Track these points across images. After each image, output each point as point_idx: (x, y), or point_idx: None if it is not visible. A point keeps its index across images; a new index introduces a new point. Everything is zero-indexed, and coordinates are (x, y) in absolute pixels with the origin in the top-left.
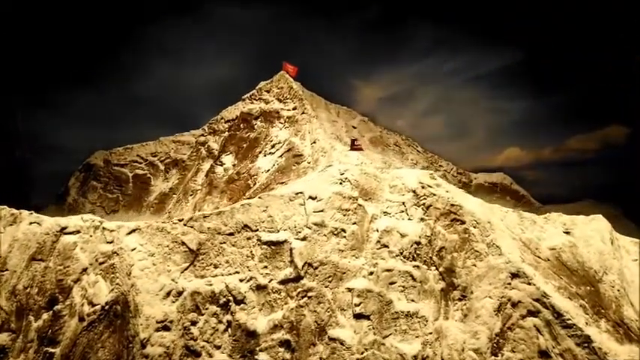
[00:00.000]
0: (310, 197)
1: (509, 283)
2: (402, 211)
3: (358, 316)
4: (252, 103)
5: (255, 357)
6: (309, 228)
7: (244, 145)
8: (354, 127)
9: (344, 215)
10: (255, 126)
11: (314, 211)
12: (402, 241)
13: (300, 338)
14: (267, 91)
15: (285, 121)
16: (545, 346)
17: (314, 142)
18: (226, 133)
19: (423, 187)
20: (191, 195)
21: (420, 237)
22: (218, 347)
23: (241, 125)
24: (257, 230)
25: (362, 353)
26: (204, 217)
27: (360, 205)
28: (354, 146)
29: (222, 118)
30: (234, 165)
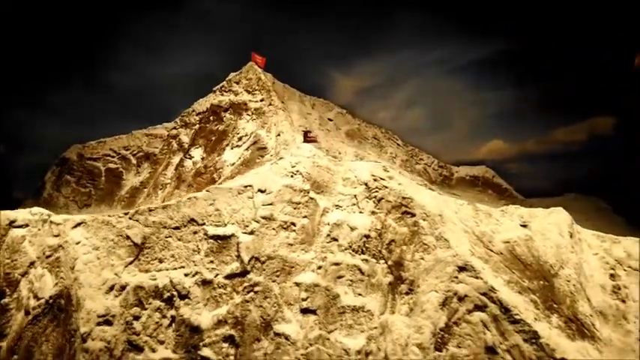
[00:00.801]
0: (259, 190)
1: (457, 277)
2: (354, 204)
3: (305, 311)
4: (222, 95)
5: (199, 352)
6: (257, 222)
7: (213, 138)
8: (330, 120)
9: (294, 209)
10: (224, 118)
11: (263, 205)
12: (352, 235)
13: (244, 333)
14: (237, 83)
15: (252, 113)
16: (492, 341)
17: (278, 135)
18: (197, 125)
19: (375, 180)
20: (161, 189)
21: (369, 230)
22: (161, 342)
23: (211, 118)
24: (204, 224)
25: (306, 348)
26: (150, 210)
27: (311, 199)
28: (307, 138)
29: (193, 111)
30: (202, 158)
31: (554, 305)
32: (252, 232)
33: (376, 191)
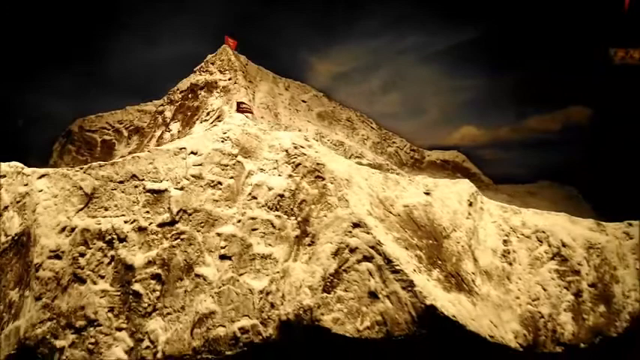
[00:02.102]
0: (192, 152)
1: (350, 232)
2: (275, 168)
3: (222, 257)
4: (200, 74)
5: (131, 287)
6: (188, 179)
7: (189, 114)
8: (304, 102)
9: (222, 170)
10: (200, 96)
11: (193, 165)
12: (269, 194)
13: (170, 273)
14: (212, 63)
15: (220, 91)
16: (375, 287)
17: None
18: (179, 102)
19: (295, 148)
20: None
21: (284, 190)
22: (102, 277)
23: (189, 95)
24: (143, 180)
25: (219, 288)
26: (100, 166)
27: (238, 162)
28: (239, 108)
29: (177, 89)
30: (178, 131)
31: (439, 262)
32: (182, 188)
33: (295, 157)
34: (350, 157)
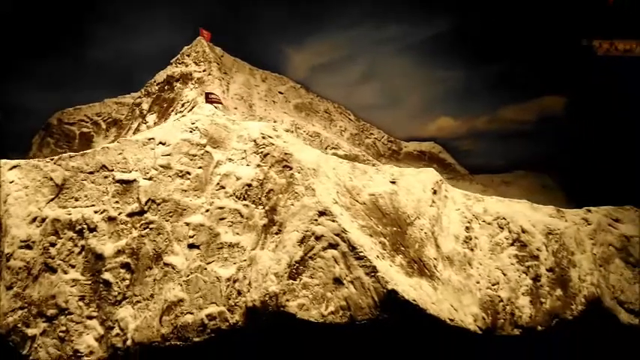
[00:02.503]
0: (160, 142)
1: (316, 220)
2: (243, 158)
3: (191, 246)
4: (176, 66)
5: (101, 276)
6: (156, 169)
7: (165, 105)
8: (281, 93)
9: (190, 160)
10: (175, 87)
11: (162, 155)
12: (237, 184)
13: (139, 262)
14: (188, 55)
15: (195, 82)
16: (339, 273)
17: None
18: (155, 94)
19: (263, 138)
20: None
21: (252, 180)
22: (72, 266)
23: (166, 87)
24: (113, 170)
25: (188, 276)
26: (71, 157)
27: (207, 152)
28: (208, 99)
29: (154, 81)
30: (155, 123)
31: (402, 248)
32: (150, 178)
33: (263, 147)
34: (326, 149)
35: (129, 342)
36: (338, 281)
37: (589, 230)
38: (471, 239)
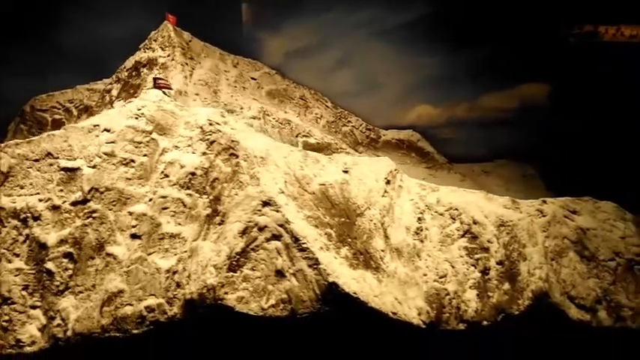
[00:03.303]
0: (105, 129)
1: (260, 210)
2: (189, 145)
3: (133, 236)
4: (144, 52)
5: (45, 265)
6: (100, 157)
7: (131, 91)
8: (254, 79)
9: (135, 147)
10: (142, 73)
11: (106, 142)
12: (181, 172)
13: (81, 252)
14: (155, 40)
15: (159, 68)
16: (282, 266)
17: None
18: (124, 81)
19: (210, 124)
20: None
21: (196, 168)
22: (17, 255)
23: (133, 73)
24: (58, 158)
25: (128, 267)
26: (17, 144)
27: (153, 139)
28: (156, 84)
29: (124, 67)
30: None
31: (349, 239)
32: (94, 167)
33: (210, 134)
34: (297, 136)
35: (69, 332)
36: (280, 273)
37: (543, 222)
38: (422, 230)
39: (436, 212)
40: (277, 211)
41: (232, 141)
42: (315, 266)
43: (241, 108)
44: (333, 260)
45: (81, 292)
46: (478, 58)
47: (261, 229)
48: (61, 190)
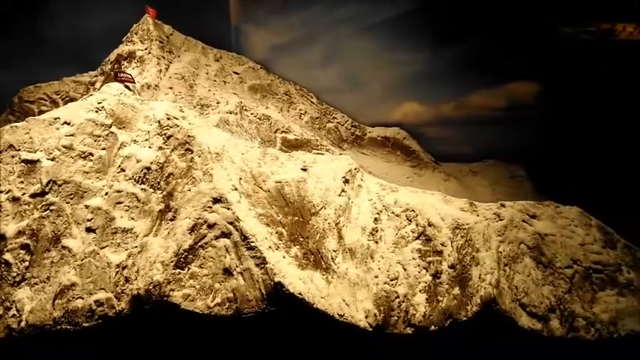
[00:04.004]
0: (65, 122)
1: (210, 207)
2: (147, 140)
3: (88, 230)
4: (126, 45)
5: (3, 256)
6: (59, 150)
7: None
8: (237, 73)
9: (94, 141)
10: (122, 66)
11: (65, 135)
12: (136, 166)
13: (38, 244)
14: (136, 34)
15: (137, 61)
16: (229, 264)
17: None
18: (107, 73)
19: (168, 119)
20: None
21: (151, 163)
22: None
23: (115, 66)
24: (19, 150)
25: (82, 260)
26: None
27: (112, 133)
28: (117, 77)
29: (108, 60)
30: None
31: (300, 239)
32: (53, 159)
33: (167, 129)
34: (276, 132)
35: (23, 323)
36: (228, 272)
37: (499, 226)
38: (377, 231)
39: (393, 213)
40: (228, 209)
41: (189, 136)
42: (262, 265)
43: (218, 102)
44: (281, 260)
45: (36, 283)
46: (466, 55)
47: (211, 226)
48: (22, 182)
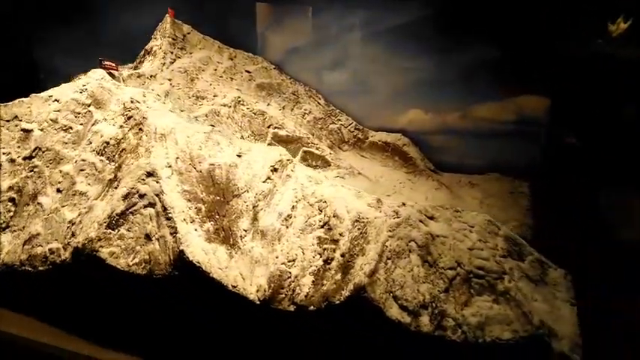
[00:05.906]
0: (55, 99)
1: (143, 179)
2: (113, 119)
3: (57, 190)
4: (153, 40)
5: None
6: (47, 122)
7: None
8: (248, 72)
9: (75, 117)
10: (145, 60)
11: (54, 110)
12: (99, 140)
13: (21, 198)
14: (159, 31)
15: (152, 55)
16: (150, 230)
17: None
18: (135, 66)
19: (132, 102)
20: None
21: (111, 139)
22: None
23: (141, 59)
24: (21, 120)
25: (48, 215)
26: None
27: (89, 111)
28: (101, 65)
29: (141, 53)
30: None
31: (216, 216)
32: (42, 130)
33: (129, 111)
34: (268, 127)
35: (0, 262)
36: (148, 237)
37: (393, 223)
38: (291, 217)
39: (308, 203)
40: (157, 182)
41: (143, 117)
42: (174, 234)
43: (215, 95)
44: (192, 232)
45: (15, 231)
46: (474, 65)
47: (142, 196)
48: (19, 147)
